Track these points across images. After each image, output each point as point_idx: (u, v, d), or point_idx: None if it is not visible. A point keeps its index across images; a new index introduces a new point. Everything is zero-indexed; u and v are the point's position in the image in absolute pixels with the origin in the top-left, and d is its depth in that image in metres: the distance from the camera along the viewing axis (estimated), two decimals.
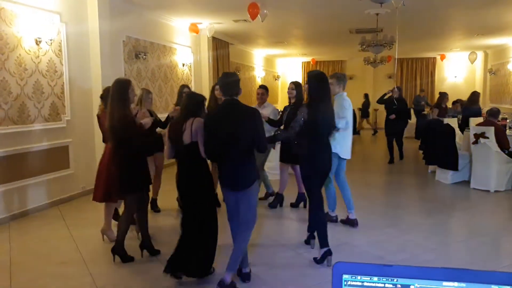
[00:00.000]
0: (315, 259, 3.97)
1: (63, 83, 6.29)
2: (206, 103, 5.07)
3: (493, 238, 4.78)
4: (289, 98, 5.61)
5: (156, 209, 5.74)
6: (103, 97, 4.65)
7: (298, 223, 5.26)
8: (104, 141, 4.70)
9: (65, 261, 4.12)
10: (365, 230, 4.93)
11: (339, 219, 5.19)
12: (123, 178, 3.93)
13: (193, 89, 10.36)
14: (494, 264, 3.98)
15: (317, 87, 3.92)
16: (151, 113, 5.16)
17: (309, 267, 3.90)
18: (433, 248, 4.38)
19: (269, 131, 5.04)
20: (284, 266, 3.95)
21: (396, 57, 13.99)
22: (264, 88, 6.01)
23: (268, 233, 4.88)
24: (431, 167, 8.24)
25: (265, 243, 4.55)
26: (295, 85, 5.53)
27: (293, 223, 5.48)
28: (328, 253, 3.88)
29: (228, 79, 3.42)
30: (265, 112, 5.45)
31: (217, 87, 5.56)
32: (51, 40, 5.98)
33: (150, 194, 4.63)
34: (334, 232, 4.87)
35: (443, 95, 10.58)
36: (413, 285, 0.85)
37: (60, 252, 4.36)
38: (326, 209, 4.83)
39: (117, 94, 3.82)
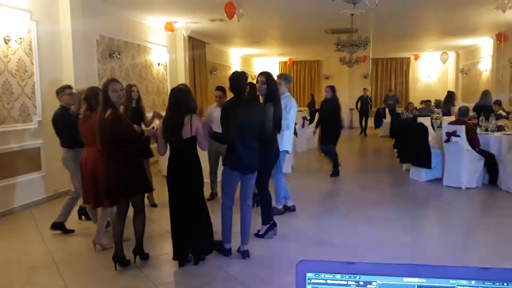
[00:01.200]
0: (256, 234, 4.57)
1: (34, 83, 6.13)
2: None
3: (464, 233, 4.90)
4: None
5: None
6: (86, 98, 4.25)
7: None
8: (82, 145, 4.33)
9: (36, 265, 4.02)
10: (339, 228, 4.98)
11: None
12: (130, 178, 3.74)
13: (169, 89, 10.31)
14: (465, 259, 4.08)
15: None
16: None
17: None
18: (406, 245, 4.46)
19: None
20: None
21: (370, 57, 14.22)
22: (222, 90, 5.92)
23: None
24: (405, 165, 8.39)
25: None
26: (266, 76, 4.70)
27: None
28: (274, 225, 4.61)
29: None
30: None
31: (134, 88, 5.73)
32: (20, 39, 5.82)
33: None
34: (309, 230, 4.92)
35: (451, 94, 10.55)
36: (375, 281, 0.85)
37: (31, 257, 4.25)
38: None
39: (102, 99, 3.71)
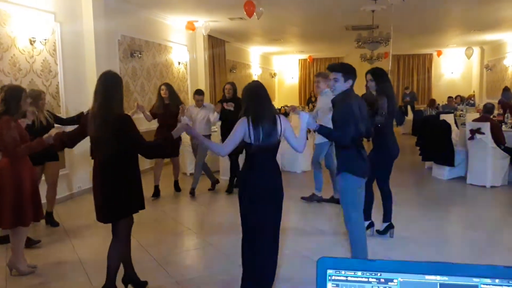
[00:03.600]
0: (377, 231, 4.62)
1: (58, 82, 6.28)
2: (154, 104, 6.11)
3: (489, 232, 4.79)
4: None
5: None
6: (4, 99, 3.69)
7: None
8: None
9: (62, 261, 4.11)
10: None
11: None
12: (120, 198, 3.13)
13: (189, 88, 10.40)
14: (489, 258, 4.00)
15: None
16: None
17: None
18: (430, 244, 4.40)
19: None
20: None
21: (391, 53, 14.01)
22: (201, 94, 6.63)
23: None
24: (427, 164, 8.25)
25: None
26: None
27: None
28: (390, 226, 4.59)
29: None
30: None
31: (163, 87, 5.86)
32: (45, 40, 5.96)
33: None
34: (329, 228, 4.90)
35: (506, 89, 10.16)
36: (396, 279, 0.85)
37: (57, 253, 4.34)
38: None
39: None
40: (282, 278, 3.56)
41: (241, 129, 2.96)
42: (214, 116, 6.30)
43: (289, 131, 3.08)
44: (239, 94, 4.05)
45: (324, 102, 5.23)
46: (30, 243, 4.30)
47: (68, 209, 5.95)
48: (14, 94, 3.65)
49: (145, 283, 3.48)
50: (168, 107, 6.17)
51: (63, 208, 5.89)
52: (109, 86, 3.08)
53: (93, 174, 3.17)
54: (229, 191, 6.60)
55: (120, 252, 3.24)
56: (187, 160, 7.94)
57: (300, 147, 3.17)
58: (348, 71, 3.46)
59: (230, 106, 6.03)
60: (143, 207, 3.25)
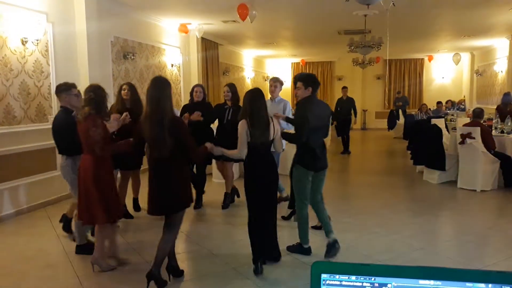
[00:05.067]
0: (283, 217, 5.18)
1: (50, 83, 6.23)
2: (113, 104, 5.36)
3: (479, 237, 4.84)
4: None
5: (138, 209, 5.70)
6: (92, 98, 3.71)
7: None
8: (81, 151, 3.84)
9: (51, 264, 4.08)
10: (353, 229, 4.96)
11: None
12: (182, 190, 3.46)
13: (182, 90, 10.38)
14: (480, 262, 4.03)
15: None
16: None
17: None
18: (420, 247, 4.42)
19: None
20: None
21: (388, 58, 14.12)
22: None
23: None
24: (419, 167, 8.31)
25: None
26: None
27: None
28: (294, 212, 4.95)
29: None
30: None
31: (125, 86, 5.17)
32: (37, 40, 5.92)
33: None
34: (321, 232, 4.90)
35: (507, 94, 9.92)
36: (390, 283, 0.86)
37: (46, 255, 4.32)
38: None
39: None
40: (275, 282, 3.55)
41: (244, 130, 3.63)
42: None
43: (279, 134, 3.86)
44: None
45: (278, 108, 5.41)
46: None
47: None
48: (102, 94, 3.75)
49: (182, 271, 3.71)
50: (130, 112, 4.60)
51: None
52: (161, 91, 3.33)
53: (149, 173, 3.43)
54: (197, 206, 5.89)
55: (171, 243, 3.56)
56: None
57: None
58: (307, 81, 4.05)
59: (197, 117, 5.26)
60: (192, 201, 3.63)
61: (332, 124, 11.59)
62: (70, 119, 4.08)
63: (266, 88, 19.10)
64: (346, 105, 11.16)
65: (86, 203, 3.70)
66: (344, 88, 11.74)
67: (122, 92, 5.14)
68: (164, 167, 3.36)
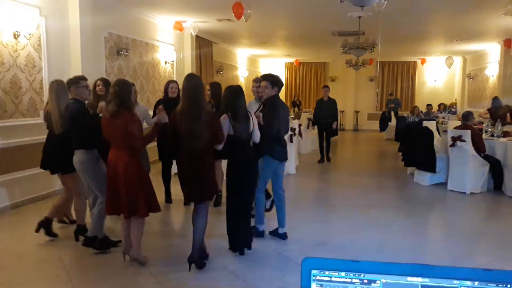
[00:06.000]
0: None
1: (42, 78, 6.18)
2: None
3: (468, 238, 4.89)
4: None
5: None
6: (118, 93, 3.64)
7: None
8: (101, 145, 3.93)
9: (42, 259, 4.06)
10: (344, 230, 4.98)
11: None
12: (212, 180, 3.79)
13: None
14: (469, 263, 4.07)
15: None
16: None
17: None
18: (410, 248, 4.46)
19: None
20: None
21: (378, 60, 14.19)
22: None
23: None
24: (409, 169, 8.38)
25: None
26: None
27: None
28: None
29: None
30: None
31: (99, 82, 4.95)
32: (30, 34, 5.87)
33: None
34: (312, 231, 4.93)
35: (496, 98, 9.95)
36: (379, 280, 0.87)
37: (37, 251, 4.29)
38: None
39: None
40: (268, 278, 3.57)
41: (226, 124, 3.88)
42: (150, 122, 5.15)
43: (256, 125, 4.14)
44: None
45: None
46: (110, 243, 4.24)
47: None
48: (127, 89, 3.71)
49: (204, 264, 3.81)
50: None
51: None
52: (196, 87, 3.63)
53: (183, 165, 3.68)
54: (168, 201, 6.02)
55: (205, 226, 3.80)
56: None
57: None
58: (274, 81, 4.46)
59: (161, 111, 4.60)
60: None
61: (310, 127, 11.49)
62: (82, 109, 4.12)
63: None
64: (327, 107, 9.61)
65: (113, 197, 3.70)
66: (325, 87, 10.04)
67: (97, 88, 4.94)
68: (200, 158, 3.62)
